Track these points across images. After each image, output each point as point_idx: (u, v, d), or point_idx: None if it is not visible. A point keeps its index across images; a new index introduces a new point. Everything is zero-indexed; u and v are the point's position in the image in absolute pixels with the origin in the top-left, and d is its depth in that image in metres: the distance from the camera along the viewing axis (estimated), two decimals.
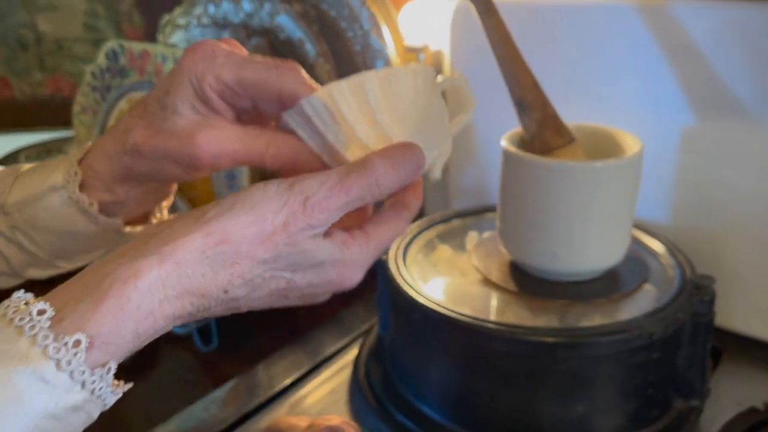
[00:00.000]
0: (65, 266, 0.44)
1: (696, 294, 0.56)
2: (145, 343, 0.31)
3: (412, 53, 0.81)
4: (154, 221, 0.44)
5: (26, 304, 0.29)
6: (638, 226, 0.65)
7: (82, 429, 0.29)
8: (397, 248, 0.65)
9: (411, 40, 0.81)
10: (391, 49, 0.79)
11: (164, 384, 0.74)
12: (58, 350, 0.27)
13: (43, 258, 0.43)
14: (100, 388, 0.29)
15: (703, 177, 0.66)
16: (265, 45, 0.79)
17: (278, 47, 0.80)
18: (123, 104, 0.82)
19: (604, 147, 0.60)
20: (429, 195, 0.91)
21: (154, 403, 0.71)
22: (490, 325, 0.54)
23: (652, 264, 0.62)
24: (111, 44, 0.79)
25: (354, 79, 0.37)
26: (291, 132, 0.38)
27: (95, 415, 0.30)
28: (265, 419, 0.64)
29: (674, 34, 0.64)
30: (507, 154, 0.58)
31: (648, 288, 0.59)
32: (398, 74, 0.38)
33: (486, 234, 0.68)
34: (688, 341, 0.56)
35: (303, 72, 0.38)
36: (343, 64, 0.80)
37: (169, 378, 0.75)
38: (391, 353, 0.65)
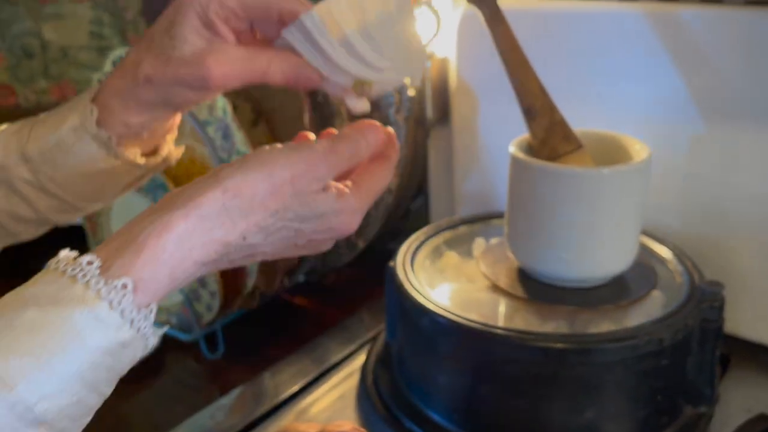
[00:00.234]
0: (88, 208, 0.48)
1: (705, 300, 0.56)
2: (180, 286, 0.35)
3: None
4: (163, 154, 0.47)
5: (74, 259, 0.33)
6: (646, 232, 0.65)
7: (128, 368, 0.33)
8: (405, 255, 0.65)
9: None
10: None
11: (170, 390, 0.74)
12: (109, 292, 0.31)
13: (68, 200, 0.46)
14: (144, 327, 0.33)
15: (711, 183, 0.66)
16: None
17: None
18: None
19: (611, 153, 0.60)
20: (434, 201, 0.91)
21: (160, 409, 0.71)
22: (498, 331, 0.54)
23: (660, 270, 0.62)
24: (118, 52, 0.80)
25: None
26: (289, 49, 0.41)
27: (138, 355, 0.34)
28: (272, 427, 0.64)
29: (681, 40, 0.64)
30: (515, 160, 0.58)
31: (656, 294, 0.59)
32: None
33: (493, 240, 0.68)
34: (697, 347, 0.56)
35: None
36: None
37: (174, 384, 0.75)
38: (398, 360, 0.64)
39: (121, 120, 0.43)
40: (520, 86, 0.58)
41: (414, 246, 0.67)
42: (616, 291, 0.60)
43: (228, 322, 0.79)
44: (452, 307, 0.57)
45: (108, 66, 0.79)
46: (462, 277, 0.63)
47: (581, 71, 0.71)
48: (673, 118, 0.67)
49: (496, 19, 0.58)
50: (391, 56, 0.41)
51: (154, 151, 0.47)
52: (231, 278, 0.77)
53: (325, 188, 0.38)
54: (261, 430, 0.64)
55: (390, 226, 0.88)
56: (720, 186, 0.66)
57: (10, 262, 0.60)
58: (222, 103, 0.72)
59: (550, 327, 0.56)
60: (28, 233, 0.48)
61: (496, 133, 0.80)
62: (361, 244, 0.86)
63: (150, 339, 0.34)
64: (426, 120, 0.85)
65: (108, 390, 0.33)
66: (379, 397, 0.63)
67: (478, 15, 0.59)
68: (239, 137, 0.71)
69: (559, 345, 0.52)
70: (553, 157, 0.58)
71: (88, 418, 0.33)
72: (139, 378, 0.74)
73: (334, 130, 0.43)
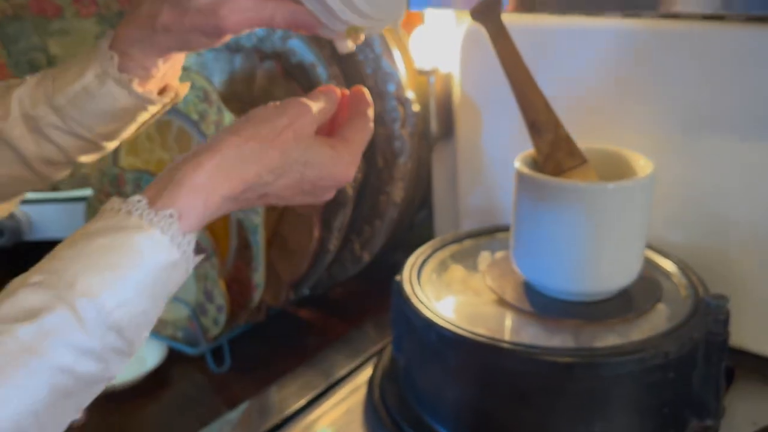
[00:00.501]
0: (109, 146, 0.53)
1: (710, 314, 0.56)
2: (211, 218, 0.41)
3: (422, 76, 0.83)
4: (172, 95, 0.54)
5: (124, 202, 0.39)
6: (650, 245, 0.66)
7: (176, 288, 0.40)
8: (411, 269, 0.65)
9: (421, 63, 0.83)
10: (402, 72, 0.80)
11: (177, 404, 0.74)
12: (159, 221, 0.38)
13: (92, 140, 0.52)
14: (187, 250, 0.40)
15: (714, 196, 0.67)
16: (277, 68, 0.80)
17: (291, 70, 0.81)
18: None
19: (615, 168, 0.61)
20: (438, 214, 0.92)
21: (167, 423, 0.71)
22: (505, 345, 0.54)
23: (664, 284, 0.63)
24: None
25: None
26: None
27: (183, 278, 0.40)
28: None
29: (684, 56, 0.65)
30: (520, 175, 0.59)
31: (661, 308, 0.60)
32: None
33: (499, 254, 0.69)
34: (702, 360, 0.57)
35: None
36: None
37: (181, 398, 0.75)
38: (406, 374, 0.65)
39: (141, 64, 0.49)
40: (525, 102, 0.59)
41: (420, 260, 0.67)
42: (622, 304, 0.60)
43: (234, 336, 0.80)
44: (459, 321, 0.57)
45: None
46: (468, 291, 0.64)
47: (585, 87, 0.72)
48: (675, 132, 0.67)
49: (500, 36, 0.59)
50: (379, 5, 0.47)
51: (164, 89, 0.54)
52: (237, 292, 0.77)
53: (320, 139, 0.45)
54: None
55: (394, 237, 0.89)
56: (723, 199, 0.66)
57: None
58: (229, 119, 0.73)
59: (556, 341, 0.56)
60: (58, 174, 0.54)
61: (500, 148, 0.80)
62: (367, 258, 0.86)
63: (191, 262, 0.40)
64: (430, 135, 0.86)
65: (162, 305, 0.39)
66: (387, 411, 0.63)
67: (483, 32, 0.59)
68: None
69: (567, 359, 0.53)
70: (558, 172, 0.59)
71: (147, 333, 0.39)
72: (146, 391, 0.74)
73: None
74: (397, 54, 0.80)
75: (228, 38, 0.49)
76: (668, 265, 0.65)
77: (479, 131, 0.82)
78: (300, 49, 0.81)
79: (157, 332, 0.80)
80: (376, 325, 0.82)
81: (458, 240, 0.72)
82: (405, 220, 0.91)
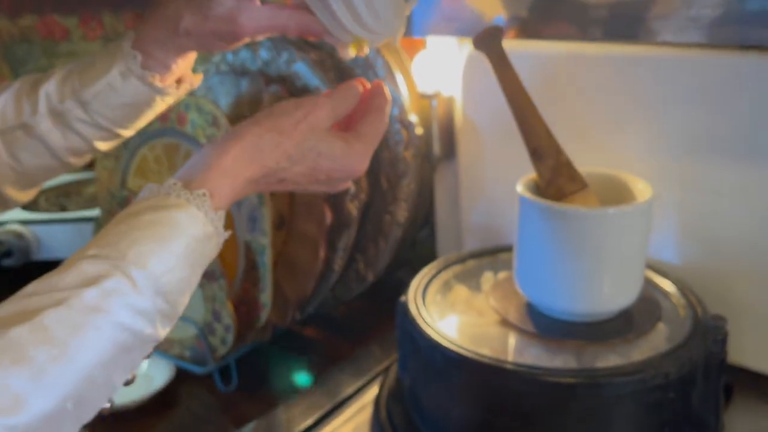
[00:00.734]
0: (129, 134, 0.58)
1: (709, 335, 0.57)
2: (237, 197, 0.46)
3: (425, 99, 0.84)
4: (187, 86, 0.58)
5: (160, 186, 0.43)
6: (649, 266, 0.67)
7: (210, 260, 0.44)
8: (416, 290, 0.67)
9: (424, 87, 0.84)
10: (405, 95, 0.82)
11: (184, 423, 0.75)
12: (195, 199, 0.43)
13: (114, 131, 0.57)
14: (219, 226, 0.44)
15: (711, 218, 0.68)
16: (283, 92, 0.82)
17: (296, 94, 0.83)
18: (145, 151, 0.84)
19: (615, 192, 0.62)
20: (441, 234, 0.93)
21: None
22: (509, 366, 0.56)
23: (664, 304, 0.64)
24: None
25: None
26: (305, 8, 0.51)
27: (215, 251, 0.45)
28: None
29: (681, 82, 0.66)
30: (523, 200, 0.61)
31: (661, 327, 0.61)
32: None
33: (501, 275, 0.70)
34: (701, 379, 0.58)
35: None
36: None
37: (189, 417, 0.76)
38: (411, 393, 0.66)
39: (162, 63, 0.55)
40: (526, 128, 0.60)
41: (425, 281, 0.68)
42: (622, 325, 0.61)
43: (241, 355, 0.81)
44: (463, 342, 0.59)
45: None
46: (472, 311, 0.65)
47: (585, 112, 0.73)
48: (672, 155, 0.69)
49: (501, 64, 0.60)
50: (384, 21, 0.51)
51: (179, 81, 0.58)
52: (245, 312, 0.78)
53: (335, 133, 0.48)
54: None
55: (398, 256, 0.90)
56: (720, 221, 0.68)
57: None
58: None
59: (558, 361, 0.57)
60: (81, 162, 0.59)
61: (501, 170, 0.82)
62: (371, 277, 0.87)
63: (221, 236, 0.45)
64: (432, 156, 0.87)
65: (199, 273, 0.44)
66: (393, 430, 0.64)
67: (485, 59, 0.61)
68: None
69: (570, 380, 0.54)
70: (560, 196, 0.60)
71: (187, 299, 0.43)
72: (154, 411, 0.75)
73: None
74: (400, 78, 0.82)
75: (244, 43, 0.55)
76: (667, 285, 0.67)
77: (480, 153, 0.83)
78: (305, 73, 0.83)
79: (164, 351, 0.81)
80: (381, 343, 0.83)
81: (461, 260, 0.73)
82: (408, 239, 0.93)
